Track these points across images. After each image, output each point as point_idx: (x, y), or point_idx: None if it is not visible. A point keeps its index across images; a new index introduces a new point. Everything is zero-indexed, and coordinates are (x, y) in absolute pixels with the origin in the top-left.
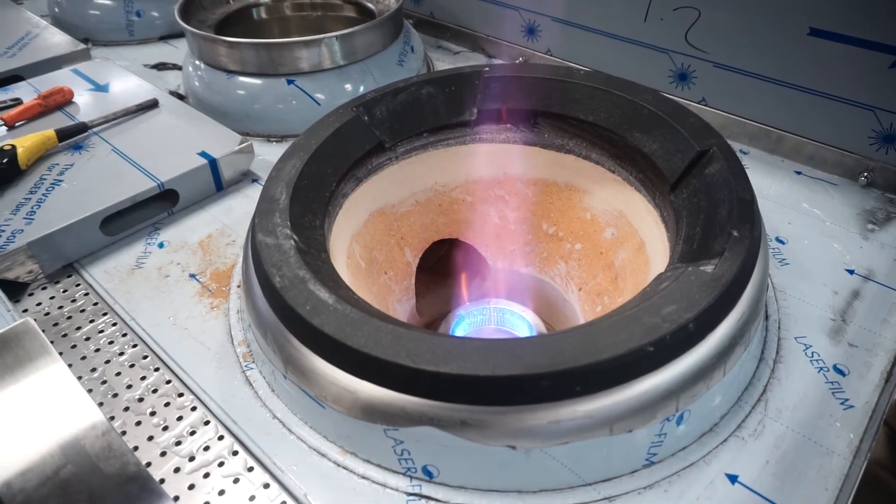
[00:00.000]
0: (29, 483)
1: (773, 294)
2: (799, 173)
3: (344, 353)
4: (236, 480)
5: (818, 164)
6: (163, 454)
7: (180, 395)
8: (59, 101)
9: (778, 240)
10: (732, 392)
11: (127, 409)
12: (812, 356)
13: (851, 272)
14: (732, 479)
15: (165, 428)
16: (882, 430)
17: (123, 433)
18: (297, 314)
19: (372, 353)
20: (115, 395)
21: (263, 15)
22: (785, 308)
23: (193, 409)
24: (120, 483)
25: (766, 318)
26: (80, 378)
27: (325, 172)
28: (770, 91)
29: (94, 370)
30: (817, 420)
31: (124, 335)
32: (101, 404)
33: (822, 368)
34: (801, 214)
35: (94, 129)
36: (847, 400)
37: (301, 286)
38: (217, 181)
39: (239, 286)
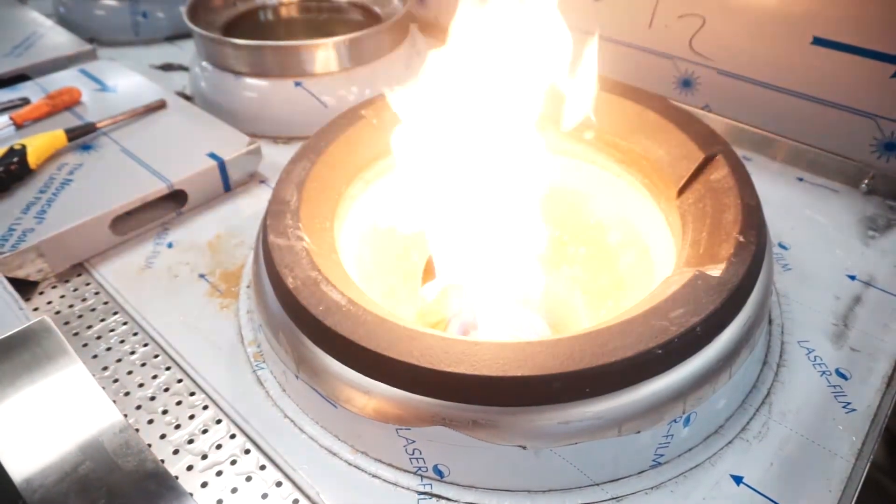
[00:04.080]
0: (48, 479)
1: (776, 299)
2: (801, 180)
3: (357, 353)
4: (249, 478)
5: (820, 171)
6: (175, 452)
7: (192, 393)
8: (67, 102)
9: (781, 245)
10: (737, 395)
11: (139, 407)
12: (815, 360)
13: (853, 278)
14: (737, 480)
15: (178, 426)
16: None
17: (136, 431)
18: (311, 315)
19: (385, 353)
20: (128, 394)
21: (270, 17)
22: (788, 313)
23: (205, 407)
24: (138, 479)
25: (770, 322)
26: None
27: (334, 175)
28: (773, 98)
29: (105, 369)
30: (820, 423)
31: (135, 334)
32: (113, 402)
33: (824, 372)
34: (803, 221)
35: (103, 130)
36: (849, 403)
37: (314, 287)
38: (225, 182)
39: (249, 286)
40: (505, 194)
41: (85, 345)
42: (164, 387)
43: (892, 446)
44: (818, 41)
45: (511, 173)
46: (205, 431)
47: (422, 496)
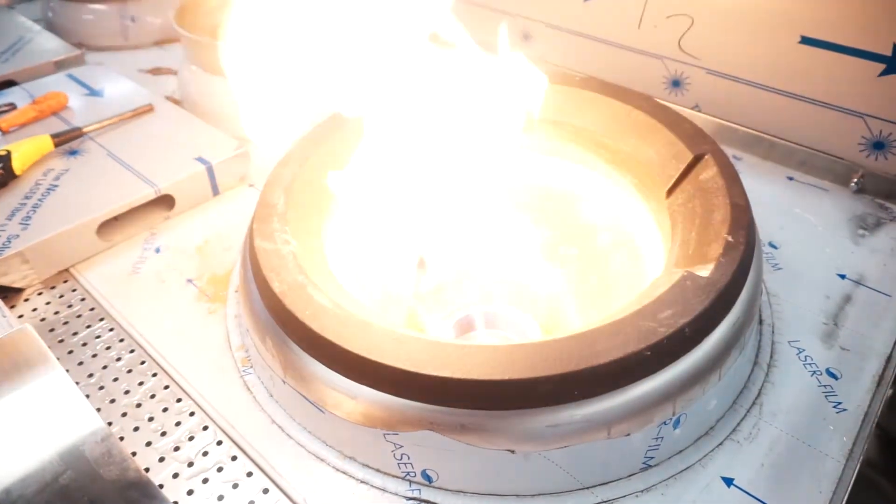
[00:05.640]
0: (28, 489)
1: (766, 298)
2: (791, 179)
3: (344, 357)
4: (235, 486)
5: (810, 170)
6: (161, 460)
7: (178, 400)
8: (54, 107)
9: (771, 245)
10: (728, 396)
11: (125, 414)
12: (805, 360)
13: (843, 277)
14: (728, 482)
15: (164, 433)
16: (874, 432)
17: (121, 439)
18: (297, 319)
19: (372, 357)
20: (113, 401)
21: None
22: (778, 312)
23: (192, 414)
24: (120, 489)
25: (760, 322)
26: (77, 383)
27: (322, 178)
28: (762, 98)
29: (91, 375)
30: (811, 423)
31: (121, 340)
32: (98, 410)
33: (815, 372)
34: (793, 220)
35: (90, 134)
36: (840, 403)
37: (300, 291)
38: (213, 186)
39: (236, 291)
40: (494, 194)
41: (70, 351)
42: (151, 393)
43: (885, 444)
44: (806, 40)
45: (497, 171)
46: (191, 438)
47: (410, 501)
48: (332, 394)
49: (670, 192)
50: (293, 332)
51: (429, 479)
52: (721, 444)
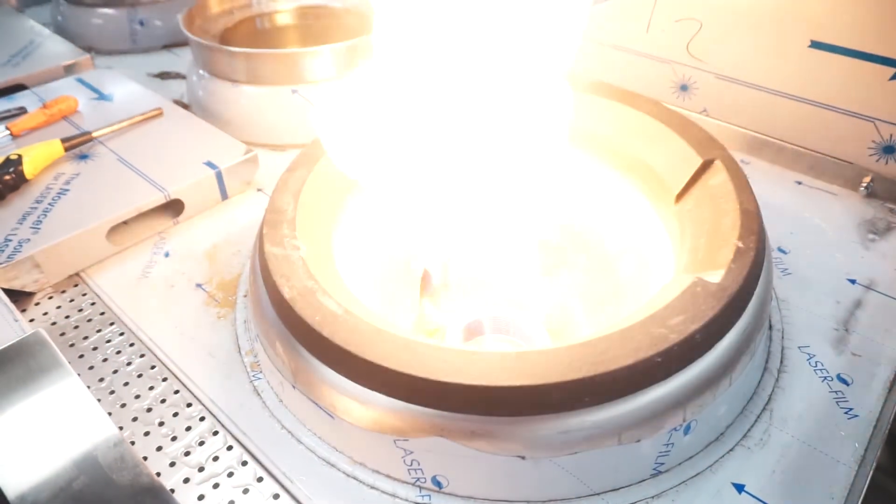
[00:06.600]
0: (42, 495)
1: (776, 304)
2: (800, 183)
3: (354, 363)
4: (246, 491)
5: (819, 175)
6: (172, 465)
7: (189, 405)
8: (64, 111)
9: (780, 250)
10: (738, 402)
11: (135, 419)
12: (815, 366)
13: (853, 282)
14: (739, 488)
15: (174, 438)
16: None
17: (132, 443)
18: (307, 325)
19: (382, 363)
20: (124, 406)
21: (267, 25)
22: (788, 318)
23: (202, 419)
24: (133, 494)
25: (770, 327)
26: (88, 388)
27: (331, 183)
28: (771, 102)
29: (101, 380)
30: (822, 429)
31: (132, 345)
32: (109, 414)
33: (825, 378)
34: (802, 224)
35: (100, 139)
36: (851, 409)
37: (310, 297)
38: (222, 191)
39: (245, 296)
40: (501, 197)
41: (81, 356)
42: (161, 398)
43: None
44: (816, 45)
45: (510, 174)
46: (202, 443)
47: None
48: (342, 399)
49: (679, 197)
50: (303, 338)
51: (439, 485)
52: (732, 450)
